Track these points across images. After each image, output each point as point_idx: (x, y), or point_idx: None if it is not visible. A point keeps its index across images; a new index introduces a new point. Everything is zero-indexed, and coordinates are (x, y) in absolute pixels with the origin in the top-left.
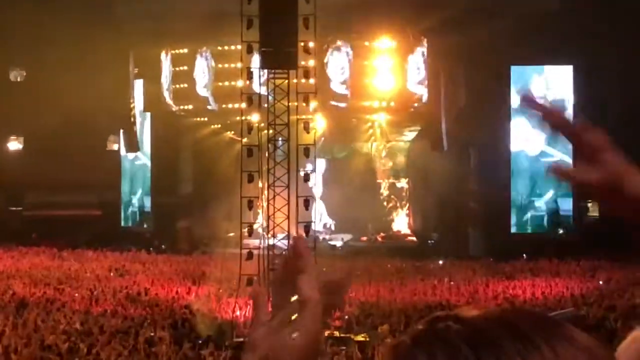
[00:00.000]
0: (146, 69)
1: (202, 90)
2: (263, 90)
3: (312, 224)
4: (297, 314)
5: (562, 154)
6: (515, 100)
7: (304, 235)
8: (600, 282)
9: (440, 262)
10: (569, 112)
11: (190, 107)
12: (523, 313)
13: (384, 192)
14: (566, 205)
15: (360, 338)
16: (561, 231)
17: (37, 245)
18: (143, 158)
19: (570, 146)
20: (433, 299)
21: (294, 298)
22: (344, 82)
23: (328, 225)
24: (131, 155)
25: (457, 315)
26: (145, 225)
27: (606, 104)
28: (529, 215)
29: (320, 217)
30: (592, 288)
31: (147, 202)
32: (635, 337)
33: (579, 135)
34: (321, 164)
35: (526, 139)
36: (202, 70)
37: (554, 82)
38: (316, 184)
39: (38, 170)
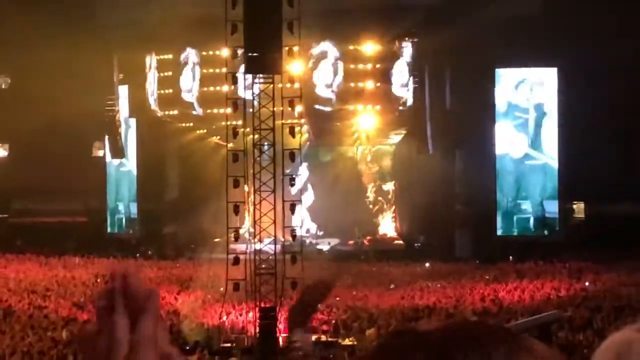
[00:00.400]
0: (131, 75)
1: (187, 95)
2: (248, 95)
3: (298, 228)
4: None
5: (545, 157)
6: (499, 103)
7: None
8: (587, 284)
9: (427, 264)
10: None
11: (176, 112)
12: (482, 326)
13: (370, 195)
14: (552, 207)
15: (347, 342)
16: (547, 233)
17: (22, 253)
18: (128, 164)
19: (554, 149)
20: (420, 302)
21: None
22: (329, 86)
23: (311, 231)
24: (116, 162)
25: (417, 330)
26: (131, 232)
27: (590, 106)
28: (515, 217)
29: (302, 223)
30: (578, 289)
31: (133, 208)
32: (612, 342)
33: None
34: (304, 169)
35: (510, 142)
36: (187, 75)
37: (539, 85)
38: (300, 188)
39: (23, 177)
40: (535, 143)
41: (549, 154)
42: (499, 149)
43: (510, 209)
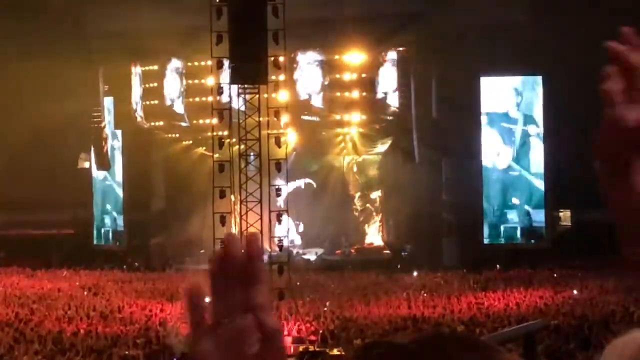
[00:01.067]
0: (116, 87)
1: (172, 106)
2: (234, 106)
3: (285, 238)
4: (261, 346)
5: (529, 170)
6: (485, 110)
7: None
8: (574, 292)
9: (414, 273)
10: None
11: (161, 123)
12: (454, 338)
13: (357, 204)
14: (538, 216)
15: (335, 352)
16: (533, 241)
17: (8, 265)
18: (114, 175)
19: (540, 157)
20: (407, 312)
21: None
22: (314, 96)
23: (295, 242)
24: (102, 173)
25: (390, 343)
26: (118, 243)
27: (576, 113)
28: (502, 226)
29: (287, 233)
30: (565, 297)
31: (120, 220)
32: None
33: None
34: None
35: (496, 153)
36: (172, 86)
37: (525, 93)
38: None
39: (8, 188)
40: (522, 153)
41: (535, 163)
42: (485, 160)
43: (497, 217)
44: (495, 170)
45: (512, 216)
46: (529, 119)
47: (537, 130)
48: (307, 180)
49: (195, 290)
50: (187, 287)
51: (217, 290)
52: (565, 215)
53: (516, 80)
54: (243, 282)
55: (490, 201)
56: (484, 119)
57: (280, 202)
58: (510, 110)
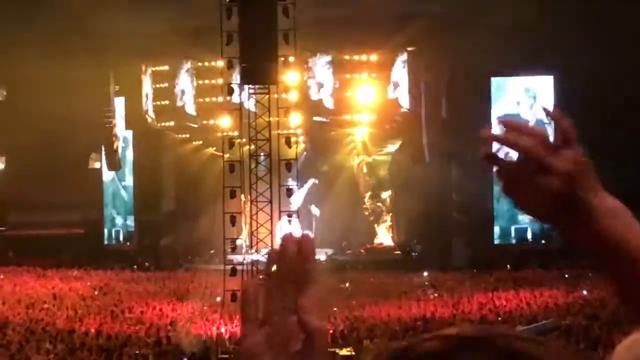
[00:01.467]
0: (127, 87)
1: (183, 106)
2: (244, 106)
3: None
4: (303, 345)
5: None
6: (496, 111)
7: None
8: (584, 292)
9: (424, 274)
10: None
11: (172, 123)
12: (468, 341)
13: (367, 204)
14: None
15: (345, 352)
16: (544, 242)
17: (19, 265)
18: (125, 175)
19: None
20: (417, 312)
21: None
22: (325, 96)
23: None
24: (113, 173)
25: (402, 350)
26: (128, 243)
27: (586, 114)
28: (512, 227)
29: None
30: (576, 297)
31: (130, 221)
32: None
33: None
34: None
35: (507, 153)
36: (182, 86)
37: (535, 93)
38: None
39: (20, 189)
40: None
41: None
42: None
43: (507, 218)
44: None
45: (523, 216)
46: (538, 120)
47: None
48: (313, 179)
49: (251, 286)
50: (244, 284)
51: (270, 288)
52: None
53: (527, 81)
54: (295, 282)
55: (500, 201)
56: (494, 120)
57: (292, 202)
58: (521, 111)
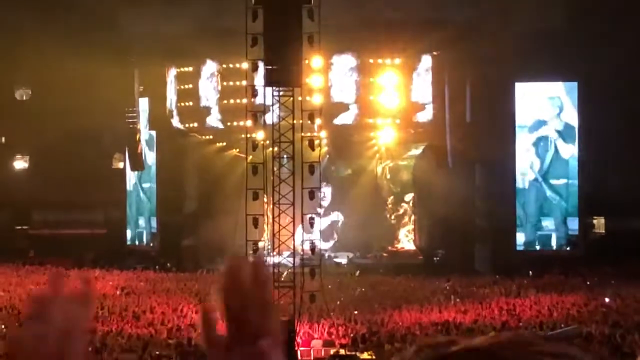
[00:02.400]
0: (151, 88)
1: (207, 108)
2: (268, 108)
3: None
4: None
5: (558, 178)
6: (519, 118)
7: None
8: (607, 299)
9: (446, 279)
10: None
11: (195, 125)
12: (514, 345)
13: (390, 209)
14: (572, 224)
15: (366, 356)
16: (568, 248)
17: (42, 264)
18: (148, 176)
19: (574, 164)
20: (439, 316)
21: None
22: (348, 99)
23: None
24: (136, 174)
25: (441, 352)
26: (151, 244)
27: (610, 120)
28: (536, 233)
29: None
30: (598, 305)
31: (153, 221)
32: None
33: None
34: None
35: (531, 160)
36: (207, 88)
37: (562, 99)
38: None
39: (44, 188)
40: (556, 159)
41: (570, 170)
42: (520, 166)
43: (531, 224)
44: (530, 177)
45: (547, 223)
46: (562, 126)
47: (571, 136)
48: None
49: (209, 310)
50: (202, 307)
51: (230, 316)
52: (599, 222)
53: (551, 87)
54: (254, 308)
55: (524, 208)
56: (517, 126)
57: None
58: (545, 117)
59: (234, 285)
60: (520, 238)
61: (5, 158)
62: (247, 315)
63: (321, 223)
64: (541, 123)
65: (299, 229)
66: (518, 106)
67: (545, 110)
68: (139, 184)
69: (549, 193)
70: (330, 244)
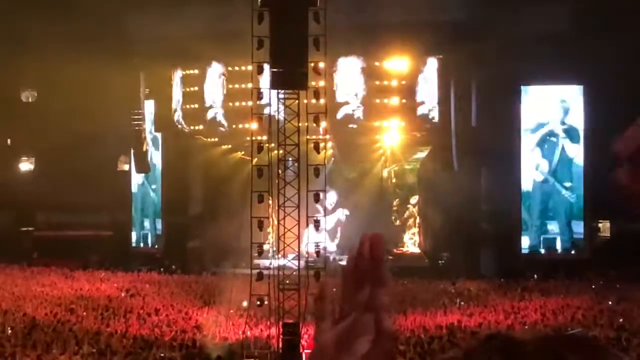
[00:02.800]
0: (157, 90)
1: (212, 110)
2: (273, 111)
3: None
4: (370, 347)
5: (564, 182)
6: (525, 121)
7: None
8: (612, 303)
9: (451, 281)
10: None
11: (201, 127)
12: (572, 341)
13: (395, 211)
14: (577, 227)
15: None
16: (573, 252)
17: (47, 266)
18: (154, 178)
19: (580, 167)
20: (444, 320)
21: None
22: (354, 102)
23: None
24: (142, 176)
25: (510, 337)
26: (156, 246)
27: (616, 123)
28: (541, 236)
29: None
30: (603, 308)
31: (158, 223)
32: None
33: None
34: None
35: (536, 163)
36: (212, 90)
37: (567, 102)
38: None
39: (49, 190)
40: (561, 163)
41: (575, 173)
42: (525, 169)
43: (536, 227)
44: (535, 181)
45: (552, 227)
46: (568, 129)
47: (577, 139)
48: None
49: (327, 285)
50: (321, 282)
51: (347, 288)
52: (604, 226)
53: (557, 90)
54: (370, 283)
55: (529, 211)
56: (523, 129)
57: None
58: (551, 120)
59: (359, 259)
60: (526, 241)
61: (11, 160)
62: (362, 291)
63: (326, 222)
64: (547, 126)
65: (305, 232)
66: (524, 109)
67: (551, 113)
68: (144, 187)
69: (554, 196)
70: (335, 243)
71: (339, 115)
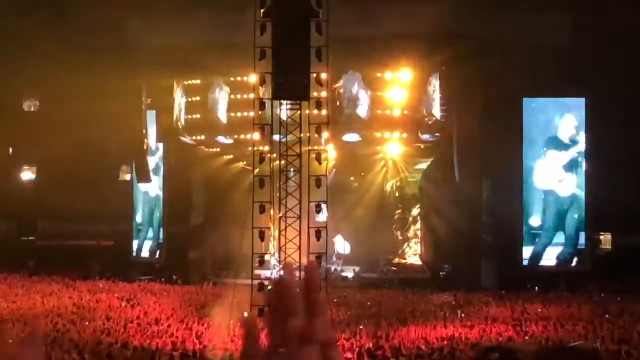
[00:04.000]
0: (159, 100)
1: (214, 120)
2: (275, 121)
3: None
4: None
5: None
6: (527, 133)
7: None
8: (613, 316)
9: (452, 294)
10: (581, 146)
11: (203, 137)
12: (573, 353)
13: (396, 223)
14: (579, 239)
15: None
16: (574, 264)
17: (48, 275)
18: (155, 188)
19: (582, 179)
20: (444, 332)
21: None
22: (356, 113)
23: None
24: (143, 186)
25: (511, 348)
26: (157, 256)
27: (618, 136)
28: (542, 248)
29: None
30: (605, 321)
31: (159, 233)
32: None
33: None
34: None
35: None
36: (214, 100)
37: (567, 115)
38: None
39: (50, 199)
40: (565, 177)
41: (577, 185)
42: (527, 181)
43: (538, 239)
44: (537, 192)
45: (555, 239)
46: (571, 141)
47: (578, 152)
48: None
49: (251, 318)
50: (244, 316)
51: (274, 319)
52: (605, 238)
53: (559, 102)
54: (305, 313)
55: (531, 223)
56: (526, 141)
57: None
58: (553, 133)
59: (284, 291)
60: (527, 253)
61: (13, 169)
62: (294, 320)
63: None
64: (549, 138)
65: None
66: (526, 121)
67: (553, 126)
68: (146, 196)
69: (555, 208)
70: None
71: (342, 126)
